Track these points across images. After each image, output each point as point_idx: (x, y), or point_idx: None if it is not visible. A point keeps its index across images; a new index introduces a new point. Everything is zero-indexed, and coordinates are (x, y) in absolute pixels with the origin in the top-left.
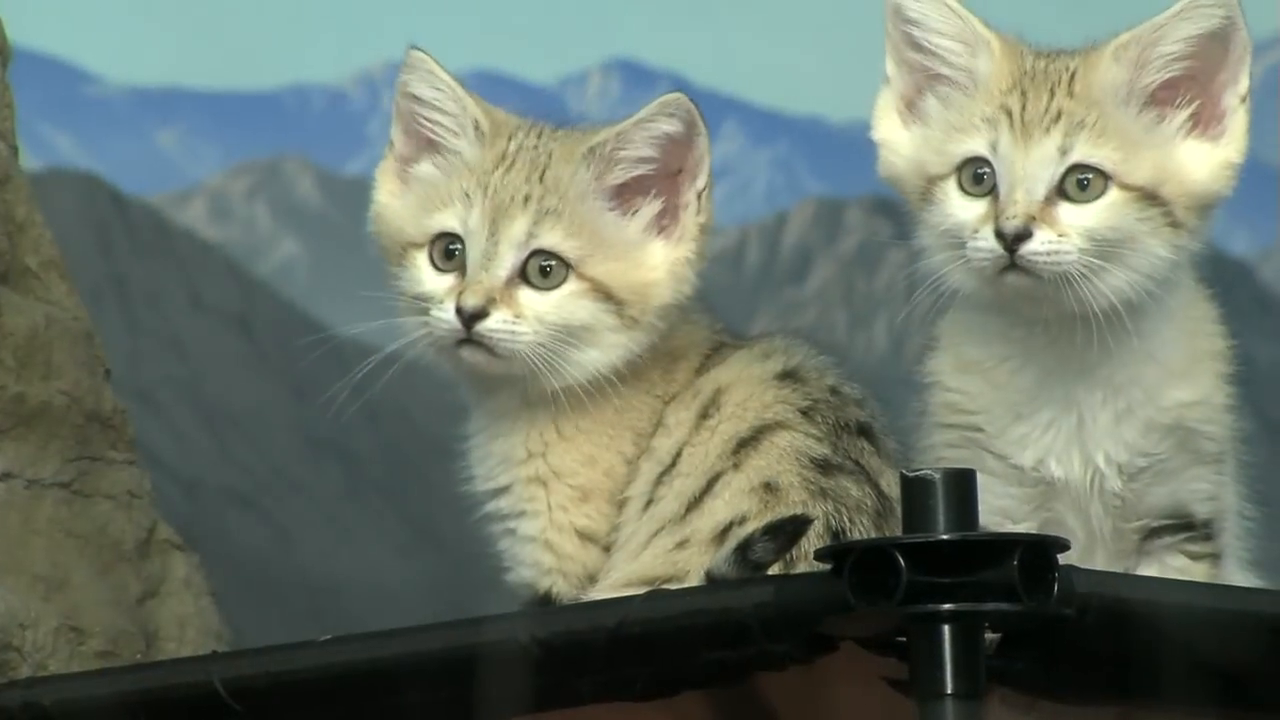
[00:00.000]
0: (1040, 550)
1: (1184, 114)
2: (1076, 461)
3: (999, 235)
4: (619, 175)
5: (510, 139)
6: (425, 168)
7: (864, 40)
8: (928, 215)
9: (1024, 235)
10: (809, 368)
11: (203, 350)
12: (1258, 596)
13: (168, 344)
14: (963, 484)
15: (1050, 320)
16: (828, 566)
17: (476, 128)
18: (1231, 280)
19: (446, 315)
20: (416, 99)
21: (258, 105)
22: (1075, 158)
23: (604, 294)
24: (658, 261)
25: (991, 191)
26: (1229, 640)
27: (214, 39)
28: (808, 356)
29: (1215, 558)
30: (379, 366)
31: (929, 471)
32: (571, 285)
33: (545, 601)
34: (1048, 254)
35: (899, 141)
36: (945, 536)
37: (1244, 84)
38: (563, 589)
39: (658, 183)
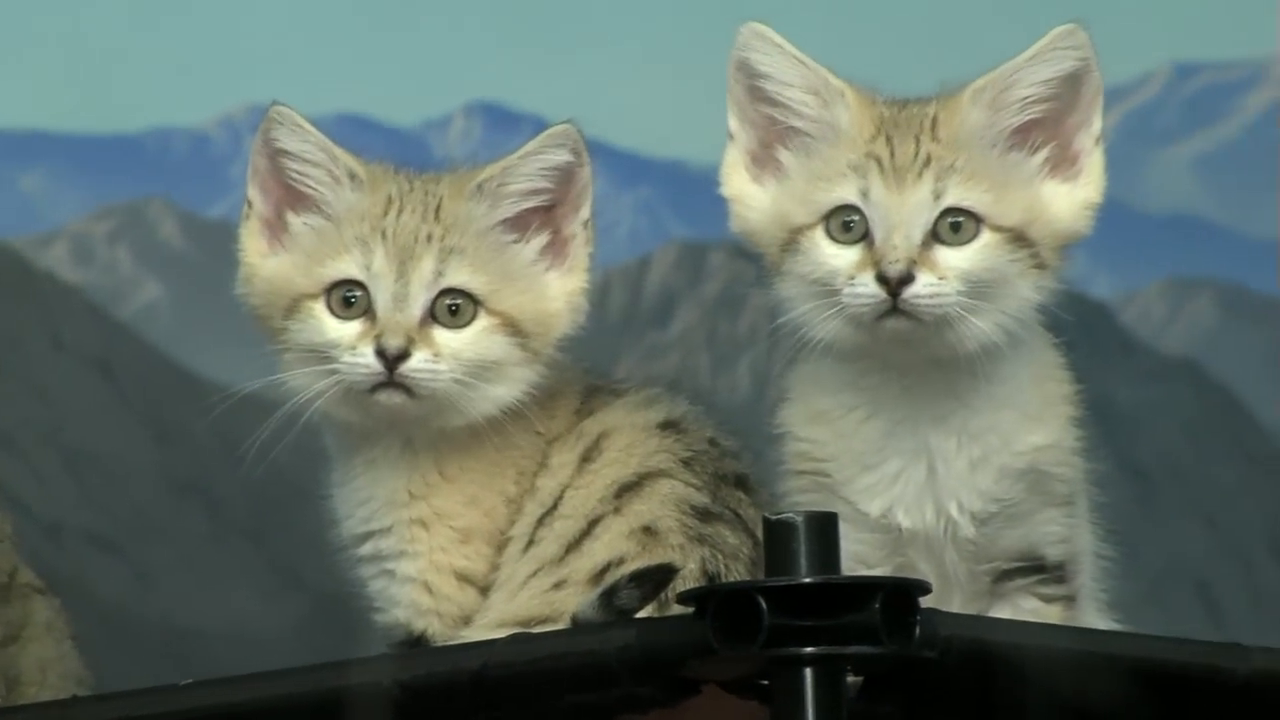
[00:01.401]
0: (902, 593)
1: (1041, 156)
2: (929, 511)
3: (881, 280)
4: (510, 208)
5: (391, 184)
6: (301, 221)
7: (725, 85)
8: (793, 266)
9: (907, 279)
10: (690, 419)
11: (64, 393)
12: (1119, 640)
13: (28, 387)
14: (825, 527)
15: (908, 368)
16: (691, 609)
17: (352, 176)
18: (1093, 323)
19: (365, 359)
20: (286, 153)
21: (120, 148)
22: (949, 201)
23: (512, 328)
24: (555, 293)
25: (863, 239)
26: (1090, 683)
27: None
28: (688, 408)
29: (1070, 600)
30: (287, 421)
31: (791, 515)
32: (482, 321)
33: (419, 643)
34: (930, 296)
35: (751, 195)
36: (807, 580)
37: (1097, 125)
38: (438, 630)
39: (547, 214)
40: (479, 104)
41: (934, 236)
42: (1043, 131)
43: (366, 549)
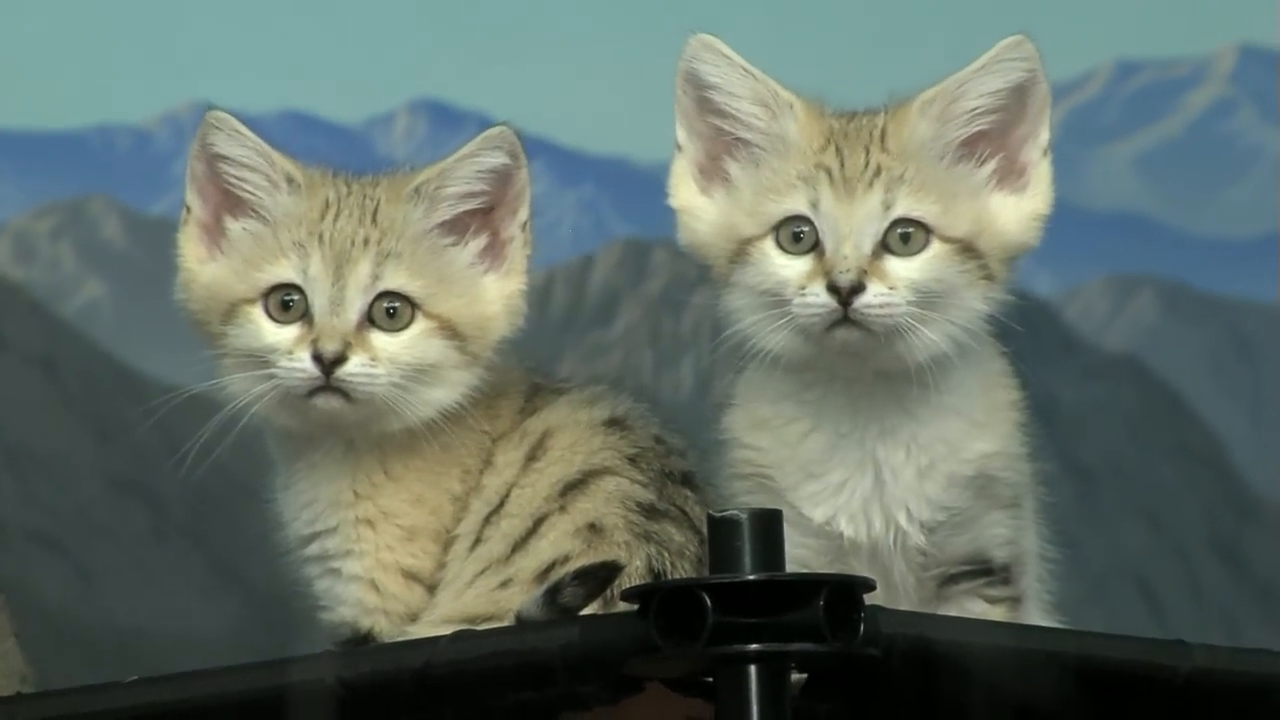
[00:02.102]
0: (846, 591)
1: (990, 167)
2: (877, 521)
3: (832, 289)
4: (447, 211)
5: (329, 188)
6: (240, 226)
7: (669, 81)
8: (741, 277)
9: (858, 288)
10: (635, 416)
11: (6, 392)
12: (1062, 637)
13: None
14: (769, 525)
15: (855, 380)
16: (634, 607)
17: (290, 180)
18: (1037, 322)
19: (301, 364)
20: (223, 158)
21: (62, 145)
22: (898, 212)
23: (450, 331)
24: (493, 295)
25: (813, 249)
26: (1033, 680)
27: (17, 78)
28: (632, 406)
29: (1015, 601)
30: (226, 426)
31: (735, 512)
32: (420, 325)
33: (365, 641)
34: (881, 306)
35: (699, 207)
36: (751, 577)
37: (1045, 136)
38: (384, 628)
39: (485, 217)
40: (423, 101)
41: (884, 247)
42: (990, 143)
43: (313, 549)
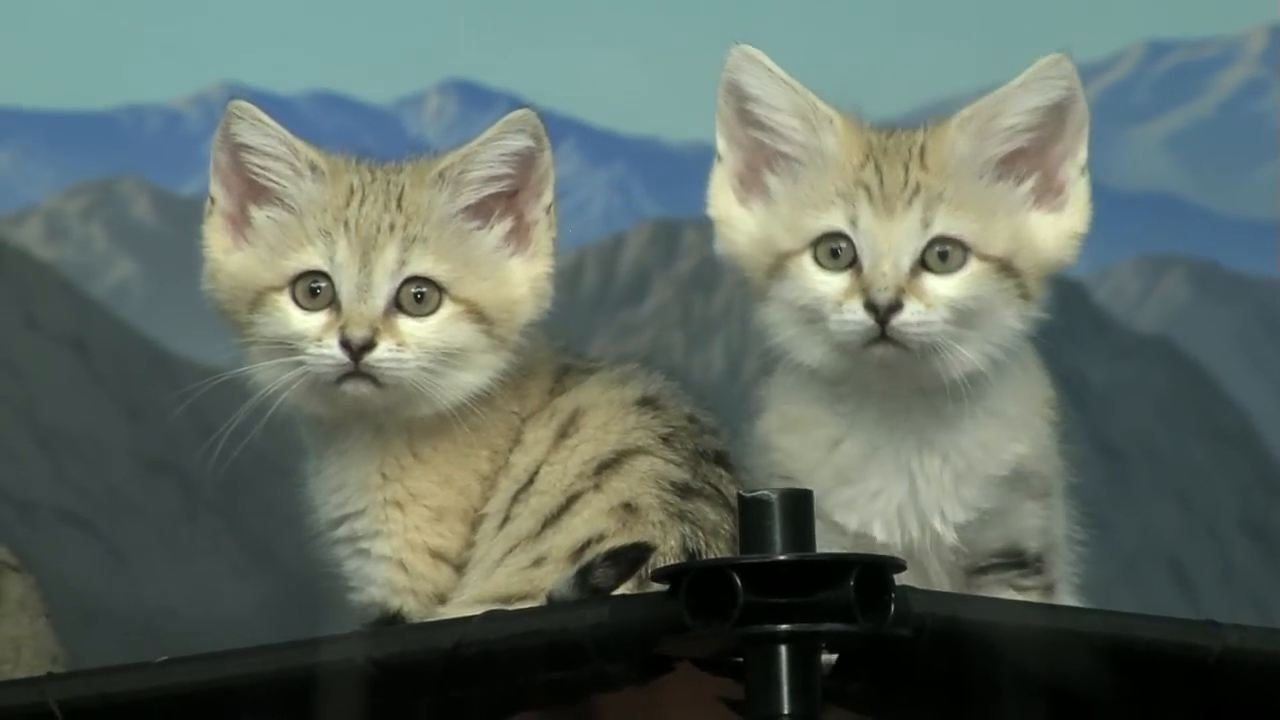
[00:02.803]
0: (876, 571)
1: (1027, 185)
2: (913, 526)
3: (870, 307)
4: (471, 195)
5: (353, 174)
6: (264, 215)
7: (699, 62)
8: (779, 291)
9: (896, 307)
10: (667, 395)
11: (37, 371)
12: (1093, 617)
13: (1, 365)
14: (800, 505)
15: (892, 394)
16: (665, 587)
17: (314, 168)
18: (1068, 302)
19: (330, 350)
20: (247, 147)
21: (93, 125)
22: (937, 230)
23: (477, 315)
24: (519, 279)
25: (850, 265)
26: (1064, 660)
27: (49, 59)
28: (664, 385)
29: (1047, 590)
30: (257, 412)
31: (766, 492)
32: (447, 309)
33: (394, 621)
34: (918, 324)
35: (738, 218)
36: (782, 557)
37: (1083, 154)
38: (413, 608)
39: (508, 200)
40: (453, 82)
41: (922, 265)
42: (1028, 161)
43: (342, 531)
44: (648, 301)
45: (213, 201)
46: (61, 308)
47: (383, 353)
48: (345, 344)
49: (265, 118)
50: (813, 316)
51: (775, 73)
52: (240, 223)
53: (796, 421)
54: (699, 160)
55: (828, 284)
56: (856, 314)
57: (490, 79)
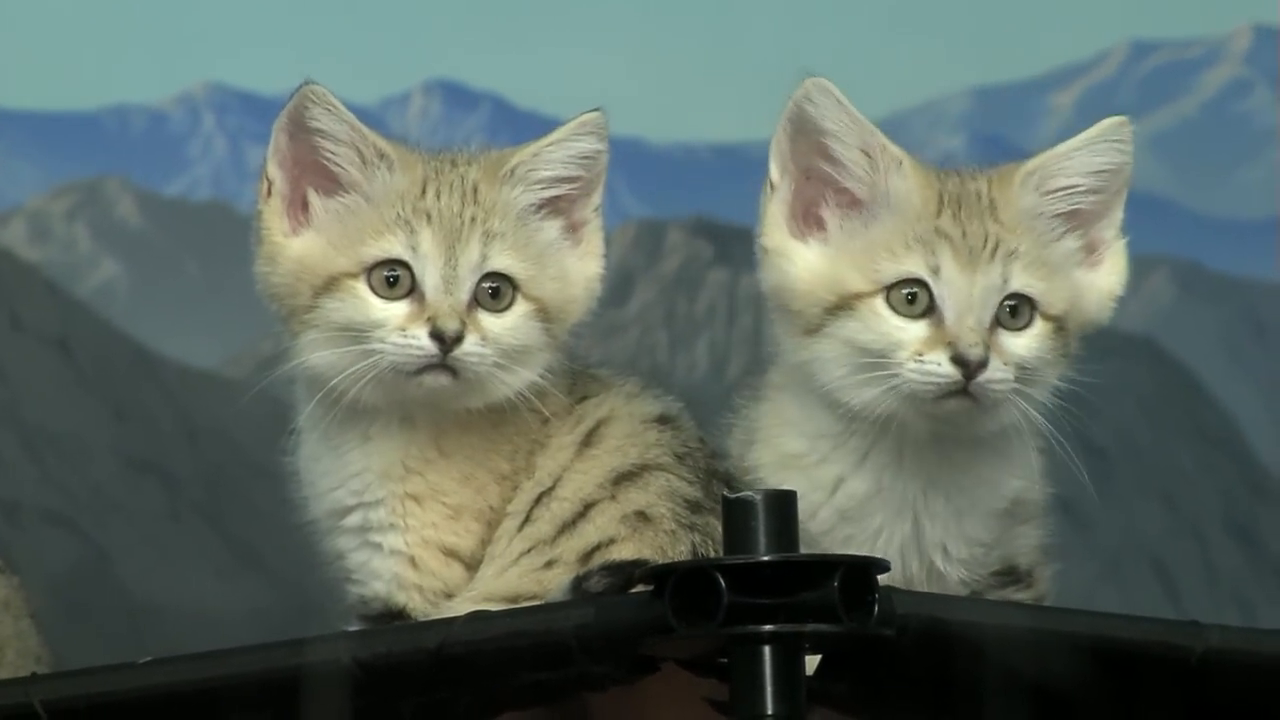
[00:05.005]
0: (860, 571)
1: (1073, 243)
2: (914, 563)
3: (959, 362)
4: (540, 194)
5: (421, 165)
6: (335, 200)
7: (683, 63)
8: (839, 329)
9: (984, 363)
10: (681, 416)
11: (21, 372)
12: (1076, 617)
13: None
14: (784, 505)
15: (905, 434)
16: (650, 588)
17: (383, 156)
18: None
19: (418, 341)
20: (320, 132)
21: (77, 125)
22: (1014, 286)
23: (544, 313)
24: (576, 278)
25: (926, 314)
26: (1047, 660)
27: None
28: (679, 405)
29: (1038, 600)
30: (323, 399)
31: (750, 493)
32: (521, 306)
33: (397, 617)
34: (1000, 381)
35: (794, 251)
36: (766, 558)
37: (1119, 215)
38: (418, 605)
39: (569, 200)
40: (438, 82)
41: (996, 321)
42: (1078, 220)
43: (353, 520)
44: (632, 302)
45: (270, 184)
46: (46, 308)
47: (470, 346)
48: (437, 336)
49: (338, 103)
50: (879, 360)
51: (846, 107)
52: (299, 207)
53: (797, 458)
54: (683, 161)
55: (905, 331)
56: (942, 366)
57: (474, 79)
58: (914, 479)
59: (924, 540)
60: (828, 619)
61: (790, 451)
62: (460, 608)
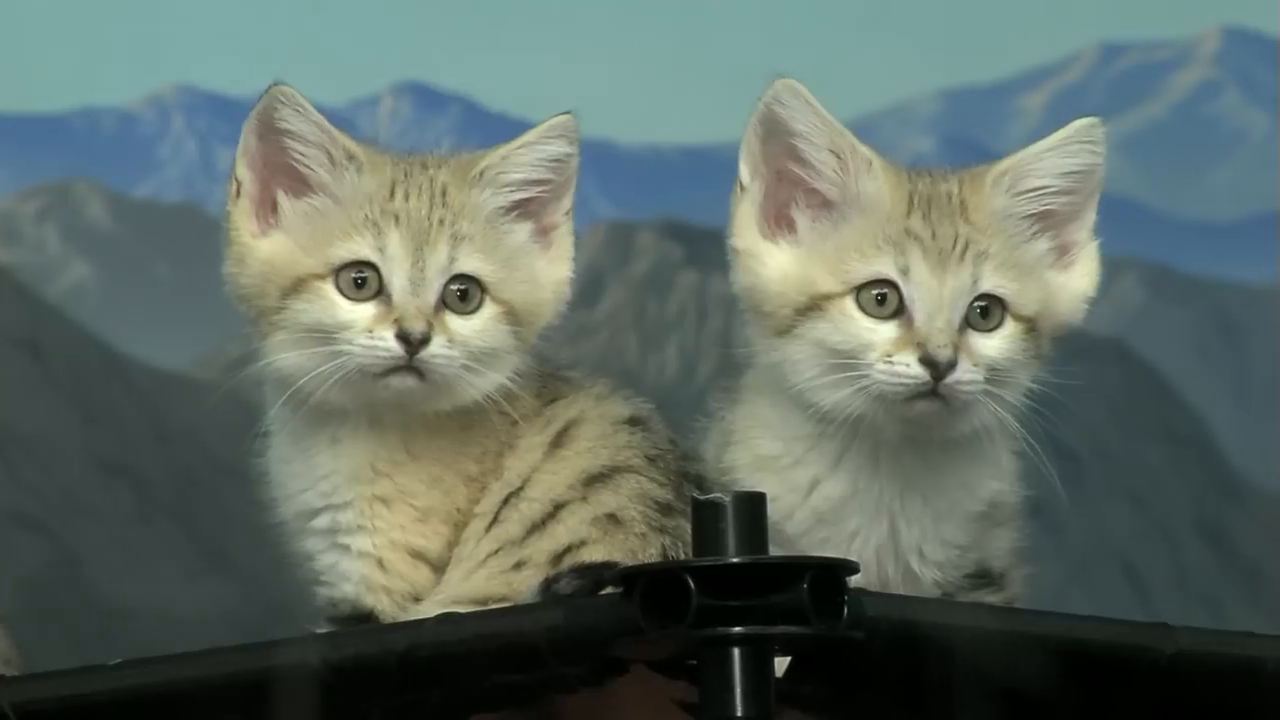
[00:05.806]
0: (830, 574)
1: (1044, 245)
2: (890, 566)
3: (928, 363)
4: (509, 196)
5: (390, 167)
6: (302, 202)
7: (653, 64)
8: (810, 331)
9: (952, 365)
10: (653, 418)
11: None
12: (1046, 620)
13: None
14: (753, 507)
15: (881, 437)
16: (619, 590)
17: (351, 158)
18: None
19: (385, 343)
20: (289, 133)
21: (46, 127)
22: (984, 287)
23: (512, 316)
24: (545, 281)
25: (895, 315)
26: (1017, 663)
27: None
28: (647, 405)
29: (1010, 602)
30: (288, 400)
31: (719, 495)
32: (489, 309)
33: (365, 619)
34: (969, 382)
35: (766, 252)
36: (735, 560)
37: (1092, 216)
38: (386, 607)
39: (539, 204)
40: (407, 84)
41: (965, 322)
42: (1049, 221)
43: (321, 522)
44: (601, 304)
45: (239, 185)
46: (15, 311)
47: (437, 348)
48: (403, 337)
49: (307, 104)
50: (850, 363)
51: (816, 108)
52: (268, 208)
53: (772, 460)
54: (653, 163)
55: (875, 332)
56: (911, 368)
57: (444, 81)
58: (890, 481)
59: (900, 543)
60: (797, 621)
61: (765, 453)
62: (428, 610)
